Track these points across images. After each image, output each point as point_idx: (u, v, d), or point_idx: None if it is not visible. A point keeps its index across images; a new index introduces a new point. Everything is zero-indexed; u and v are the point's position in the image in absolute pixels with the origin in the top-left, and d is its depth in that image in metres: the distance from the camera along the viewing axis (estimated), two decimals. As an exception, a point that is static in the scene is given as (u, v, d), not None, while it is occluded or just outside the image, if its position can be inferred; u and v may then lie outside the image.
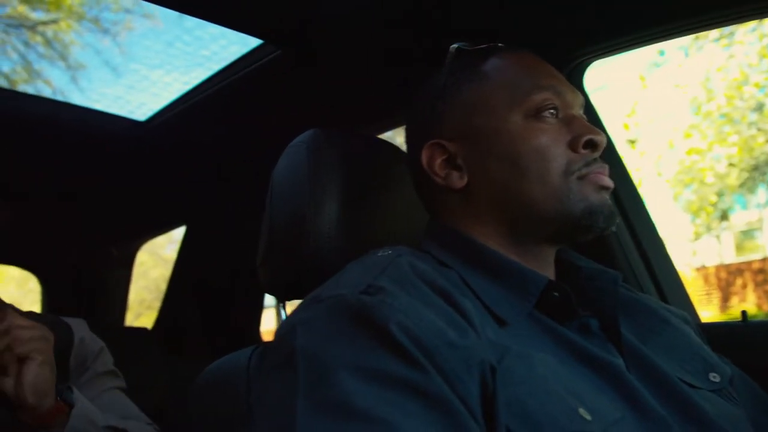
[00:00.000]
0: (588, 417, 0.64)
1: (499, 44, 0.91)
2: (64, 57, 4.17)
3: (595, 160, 0.82)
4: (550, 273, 0.86)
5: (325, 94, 1.47)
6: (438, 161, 0.86)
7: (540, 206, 0.80)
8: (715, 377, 0.82)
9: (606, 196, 0.82)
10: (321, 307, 0.68)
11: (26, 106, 1.77)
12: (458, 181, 0.85)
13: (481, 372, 0.63)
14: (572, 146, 0.81)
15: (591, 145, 0.81)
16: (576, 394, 0.66)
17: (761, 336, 1.15)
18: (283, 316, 1.08)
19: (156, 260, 12.38)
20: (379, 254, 0.78)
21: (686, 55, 10.78)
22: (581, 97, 0.88)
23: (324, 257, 0.94)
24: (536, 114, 0.82)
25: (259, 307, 2.09)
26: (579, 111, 0.87)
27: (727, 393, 0.82)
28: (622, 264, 1.18)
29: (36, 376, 1.01)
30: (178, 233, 2.67)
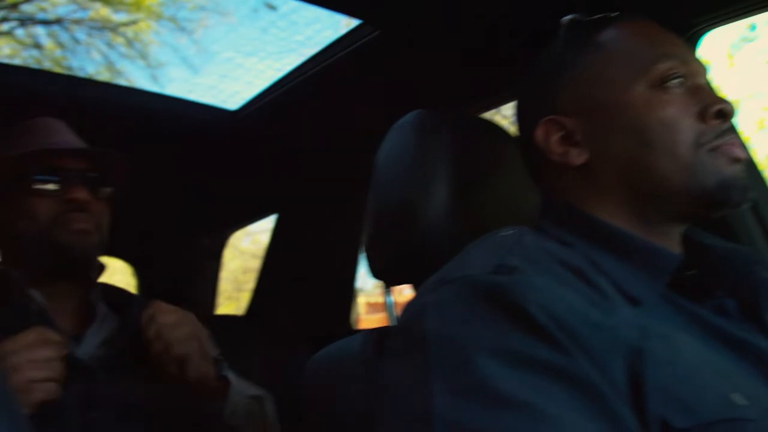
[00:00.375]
0: (744, 402, 0.59)
1: (613, 14, 0.86)
2: (144, 56, 4.31)
3: (726, 130, 0.77)
4: (678, 252, 0.81)
5: (425, 74, 1.42)
6: (554, 138, 0.82)
7: (669, 181, 0.75)
8: None
9: (739, 169, 0.76)
10: (450, 288, 0.65)
11: (116, 96, 1.79)
12: (577, 157, 0.80)
13: (627, 354, 0.59)
14: (701, 117, 0.76)
15: (721, 114, 0.76)
16: (726, 378, 0.62)
17: None
18: (389, 302, 1.06)
19: (234, 252, 12.67)
20: (502, 234, 0.75)
21: (779, 28, 10.22)
22: (705, 66, 0.83)
23: (433, 241, 0.92)
24: (661, 84, 0.77)
25: (352, 295, 2.08)
26: (705, 80, 0.82)
27: None
28: (744, 244, 1.10)
29: (197, 372, 1.09)
30: (255, 226, 2.67)
